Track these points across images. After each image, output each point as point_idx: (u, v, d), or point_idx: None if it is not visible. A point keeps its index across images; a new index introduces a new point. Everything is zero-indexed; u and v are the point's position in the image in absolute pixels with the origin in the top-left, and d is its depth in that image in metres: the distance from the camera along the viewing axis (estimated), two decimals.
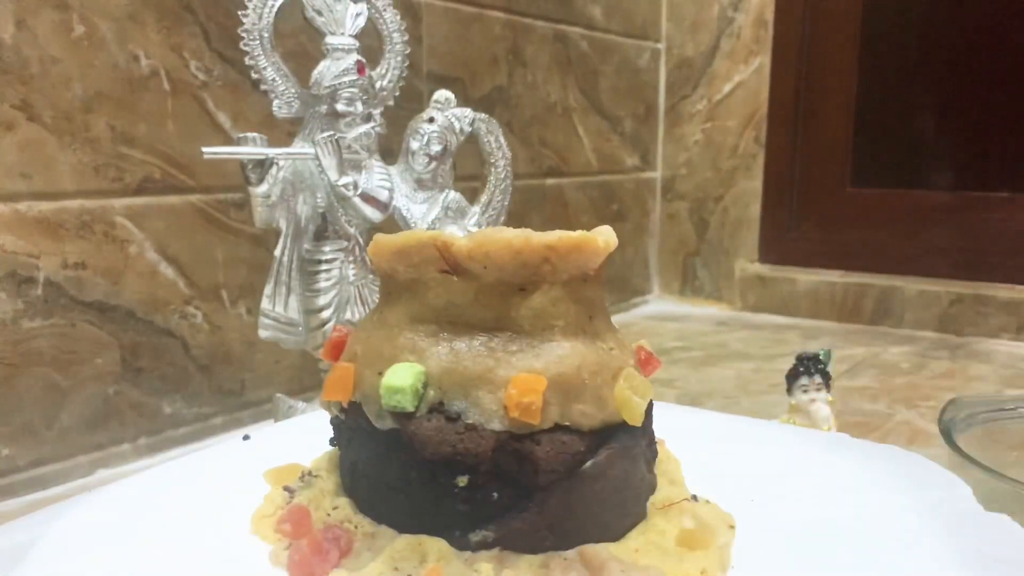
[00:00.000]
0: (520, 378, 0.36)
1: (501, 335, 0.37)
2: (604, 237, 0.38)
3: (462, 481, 0.36)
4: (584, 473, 0.37)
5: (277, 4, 0.62)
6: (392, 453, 0.37)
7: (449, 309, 0.38)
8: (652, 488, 0.41)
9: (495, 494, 0.36)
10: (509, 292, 0.37)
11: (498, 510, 0.36)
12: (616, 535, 0.38)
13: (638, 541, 0.38)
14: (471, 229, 0.69)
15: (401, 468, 0.37)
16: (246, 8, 0.61)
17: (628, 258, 1.37)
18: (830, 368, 0.63)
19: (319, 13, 0.63)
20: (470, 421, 0.36)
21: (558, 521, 0.37)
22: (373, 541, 0.38)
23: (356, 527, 0.39)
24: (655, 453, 0.42)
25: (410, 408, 0.36)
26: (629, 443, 0.38)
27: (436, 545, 0.37)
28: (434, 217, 0.68)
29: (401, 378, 0.36)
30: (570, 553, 0.37)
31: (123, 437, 0.70)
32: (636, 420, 0.38)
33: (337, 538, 0.38)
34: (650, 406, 0.40)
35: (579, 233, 0.37)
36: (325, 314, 0.65)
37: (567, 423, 0.36)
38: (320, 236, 0.65)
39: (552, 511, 0.36)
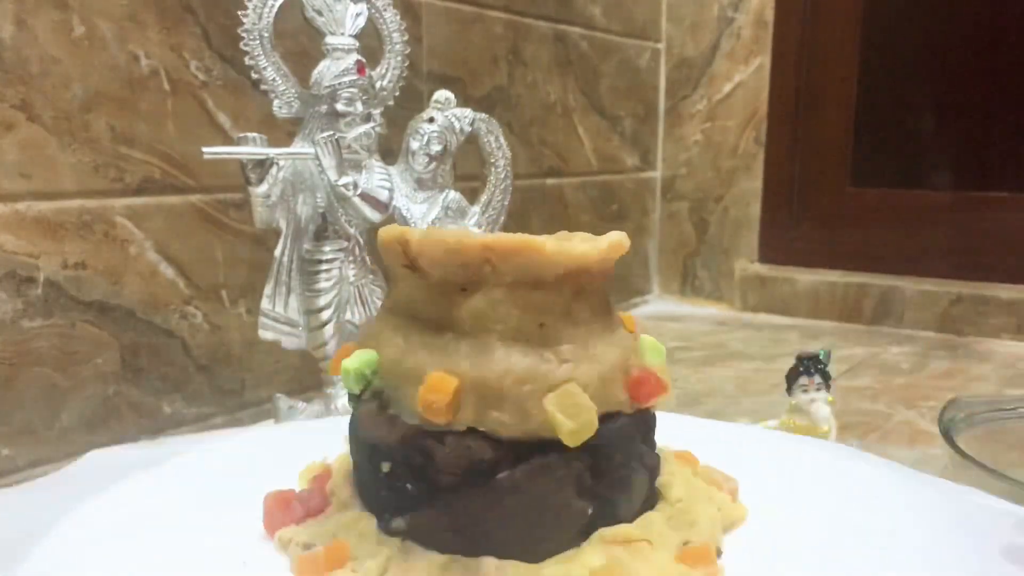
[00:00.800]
0: (434, 376, 0.36)
1: (446, 334, 0.37)
2: (557, 244, 0.36)
3: (385, 467, 0.38)
4: (497, 484, 0.36)
5: (277, 4, 0.62)
6: (351, 433, 0.41)
7: (410, 303, 0.39)
8: (583, 516, 0.38)
9: (409, 485, 0.37)
10: (453, 291, 0.37)
11: (411, 501, 0.37)
12: (533, 556, 0.36)
13: (553, 570, 0.36)
14: (471, 229, 0.70)
15: (355, 446, 0.40)
16: (246, 8, 0.61)
17: (628, 258, 1.36)
18: (830, 368, 0.63)
19: (319, 13, 0.63)
20: (392, 411, 0.38)
21: (464, 526, 0.37)
22: (337, 511, 0.41)
23: (335, 497, 0.42)
24: (620, 482, 0.39)
25: (355, 390, 0.39)
26: (555, 463, 0.36)
27: (367, 523, 0.39)
28: (434, 217, 0.68)
29: (350, 361, 0.39)
30: (472, 561, 0.36)
31: (123, 437, 0.70)
32: (569, 440, 0.35)
33: (307, 500, 0.41)
34: (626, 431, 0.38)
35: (520, 236, 0.36)
36: (325, 314, 0.65)
37: (483, 429, 0.36)
38: (320, 236, 0.65)
39: (458, 514, 0.36)
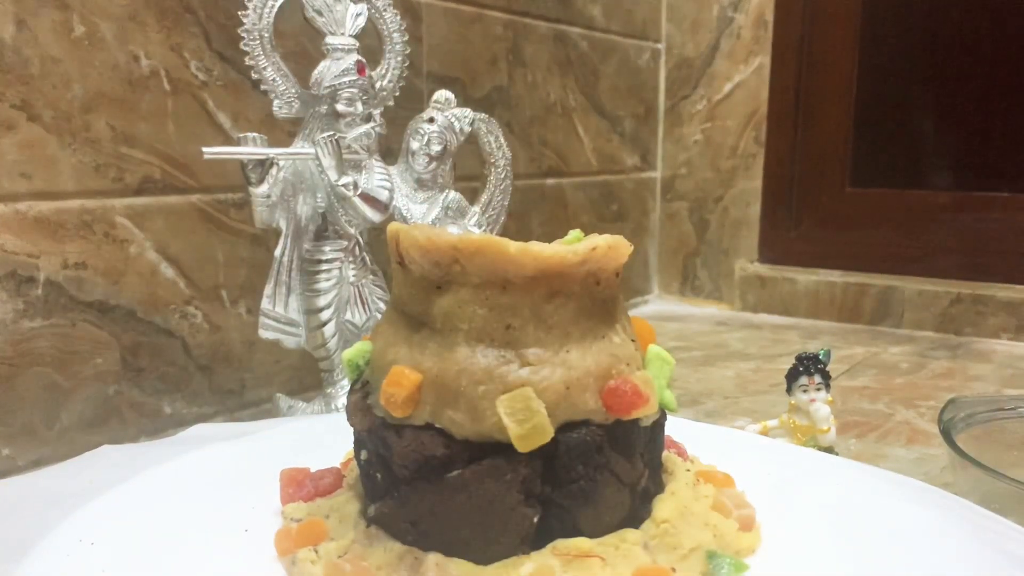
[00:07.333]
0: (395, 370, 0.37)
1: (423, 330, 0.38)
2: (522, 246, 0.36)
3: (363, 456, 0.39)
4: (448, 482, 0.36)
5: (277, 4, 0.62)
6: None
7: (400, 299, 0.40)
8: (527, 522, 0.36)
9: (378, 475, 0.38)
10: (431, 288, 0.38)
11: (380, 490, 0.38)
12: (482, 558, 0.36)
13: (493, 573, 0.35)
14: (471, 229, 0.70)
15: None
16: (246, 8, 0.61)
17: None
18: (829, 368, 0.63)
19: (319, 13, 0.63)
20: (368, 402, 0.39)
21: (419, 520, 0.37)
22: (341, 494, 0.42)
23: (346, 480, 0.44)
24: (581, 492, 0.37)
25: (351, 377, 0.41)
26: (503, 466, 0.35)
27: (351, 507, 0.40)
28: (434, 217, 0.68)
29: (349, 351, 0.41)
30: (421, 555, 0.36)
31: (123, 437, 0.70)
32: (519, 445, 0.35)
33: (319, 479, 0.44)
34: (585, 447, 0.36)
35: (485, 236, 0.36)
36: (325, 314, 0.65)
37: (440, 426, 0.36)
38: (320, 236, 0.65)
39: (413, 508, 0.37)
